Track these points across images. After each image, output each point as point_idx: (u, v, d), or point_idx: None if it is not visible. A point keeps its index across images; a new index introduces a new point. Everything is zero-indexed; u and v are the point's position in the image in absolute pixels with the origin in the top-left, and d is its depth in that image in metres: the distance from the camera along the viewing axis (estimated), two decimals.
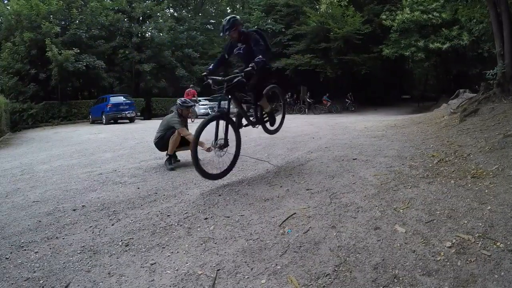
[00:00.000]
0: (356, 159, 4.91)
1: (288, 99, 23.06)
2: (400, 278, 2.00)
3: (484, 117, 6.26)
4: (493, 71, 7.82)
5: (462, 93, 14.73)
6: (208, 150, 4.45)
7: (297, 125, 11.73)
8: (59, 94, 20.36)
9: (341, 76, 24.08)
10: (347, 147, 5.96)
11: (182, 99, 5.58)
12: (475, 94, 10.15)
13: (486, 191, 3.03)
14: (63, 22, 21.44)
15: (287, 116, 5.72)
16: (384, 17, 21.23)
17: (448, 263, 2.09)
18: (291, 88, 25.87)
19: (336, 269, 2.15)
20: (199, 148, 3.88)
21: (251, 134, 8.68)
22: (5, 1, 23.35)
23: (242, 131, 4.31)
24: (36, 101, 19.27)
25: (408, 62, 27.24)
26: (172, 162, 5.22)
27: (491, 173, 3.45)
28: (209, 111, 21.14)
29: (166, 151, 5.21)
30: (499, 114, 6.00)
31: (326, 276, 2.09)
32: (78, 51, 19.08)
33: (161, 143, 5.27)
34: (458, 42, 19.00)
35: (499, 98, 7.08)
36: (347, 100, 23.13)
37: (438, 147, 5.12)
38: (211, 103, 22.14)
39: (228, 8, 40.24)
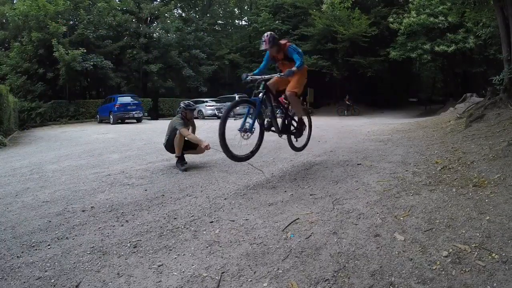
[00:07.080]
0: (360, 164, 4.95)
1: None
2: (396, 286, 2.05)
3: (490, 123, 6.26)
4: (500, 76, 7.78)
5: (469, 97, 14.70)
6: (207, 147, 4.99)
7: None
8: (67, 93, 20.65)
9: (347, 78, 24.03)
10: (352, 152, 6.01)
11: (186, 102, 5.62)
12: (482, 99, 10.12)
13: (487, 200, 3.06)
14: (70, 22, 21.71)
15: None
16: (391, 20, 21.21)
17: (443, 272, 2.13)
18: None
19: (335, 274, 2.21)
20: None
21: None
22: (14, 1, 23.69)
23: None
24: (44, 100, 19.55)
25: (415, 65, 27.13)
26: (184, 163, 5.33)
27: (492, 182, 3.47)
28: (216, 112, 21.35)
29: (175, 153, 5.32)
30: (505, 120, 6.00)
31: (325, 281, 2.15)
32: (85, 51, 19.28)
33: (169, 145, 5.39)
34: (464, 45, 18.97)
35: (505, 104, 7.05)
36: (347, 103, 22.54)
37: (442, 153, 5.15)
38: (218, 104, 22.34)
39: (236, 9, 40.31)
